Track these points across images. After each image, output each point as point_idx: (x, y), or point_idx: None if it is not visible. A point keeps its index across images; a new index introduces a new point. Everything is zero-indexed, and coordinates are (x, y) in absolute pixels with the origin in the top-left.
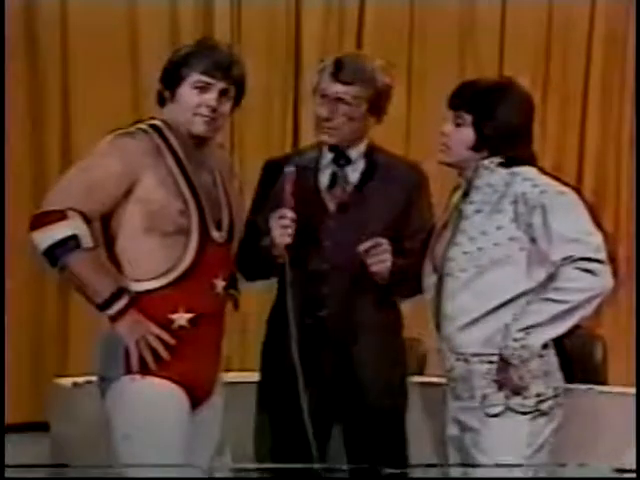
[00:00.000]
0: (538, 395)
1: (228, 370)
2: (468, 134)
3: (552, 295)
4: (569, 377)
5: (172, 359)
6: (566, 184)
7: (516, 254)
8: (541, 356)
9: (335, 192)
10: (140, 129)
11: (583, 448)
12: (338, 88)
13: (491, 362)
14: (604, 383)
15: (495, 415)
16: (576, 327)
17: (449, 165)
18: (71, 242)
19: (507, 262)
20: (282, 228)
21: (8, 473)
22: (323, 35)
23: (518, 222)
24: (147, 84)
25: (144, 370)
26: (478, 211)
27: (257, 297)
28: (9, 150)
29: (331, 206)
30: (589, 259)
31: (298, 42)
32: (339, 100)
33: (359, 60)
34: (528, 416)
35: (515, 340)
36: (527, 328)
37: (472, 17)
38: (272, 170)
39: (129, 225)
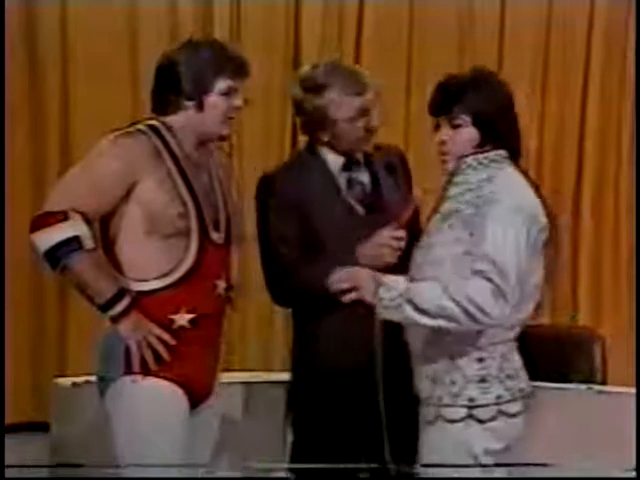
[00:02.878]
0: (471, 400)
1: (228, 370)
2: (471, 133)
3: (452, 292)
4: (569, 377)
5: (172, 359)
6: (541, 195)
7: (459, 256)
8: (480, 360)
9: (358, 195)
10: (139, 130)
11: (583, 448)
12: (363, 100)
13: (432, 362)
14: (604, 383)
15: (429, 422)
16: (576, 327)
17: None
18: (73, 243)
19: (450, 262)
20: (394, 250)
21: (8, 473)
22: (323, 35)
23: (466, 224)
24: (147, 85)
25: (144, 370)
26: (452, 207)
27: (257, 298)
28: (9, 150)
29: (359, 210)
30: (499, 288)
31: (298, 42)
32: (368, 111)
33: (357, 68)
34: (459, 424)
35: (382, 298)
36: (409, 301)
37: (471, 17)
38: (287, 185)
39: (129, 227)
